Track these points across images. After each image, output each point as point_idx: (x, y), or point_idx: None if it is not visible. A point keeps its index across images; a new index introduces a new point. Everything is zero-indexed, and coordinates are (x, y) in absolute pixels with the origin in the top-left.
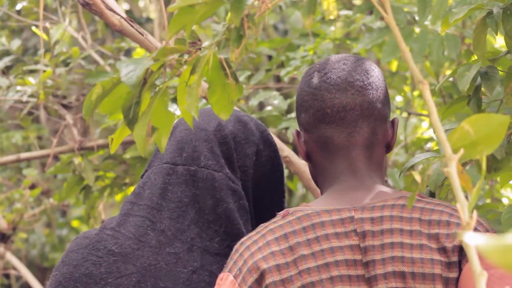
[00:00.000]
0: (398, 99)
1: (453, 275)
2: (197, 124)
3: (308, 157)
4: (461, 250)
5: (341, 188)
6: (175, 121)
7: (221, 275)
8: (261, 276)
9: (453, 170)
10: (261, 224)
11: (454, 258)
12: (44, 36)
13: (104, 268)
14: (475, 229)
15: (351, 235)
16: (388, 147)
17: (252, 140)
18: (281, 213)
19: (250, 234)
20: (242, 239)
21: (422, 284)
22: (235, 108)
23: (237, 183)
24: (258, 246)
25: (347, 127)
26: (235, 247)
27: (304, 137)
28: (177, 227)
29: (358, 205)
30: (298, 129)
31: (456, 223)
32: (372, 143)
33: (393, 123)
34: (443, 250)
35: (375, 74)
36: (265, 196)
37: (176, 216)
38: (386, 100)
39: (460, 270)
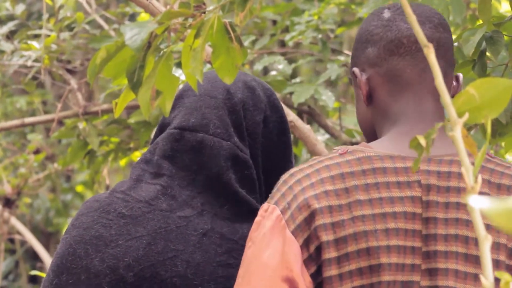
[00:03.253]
0: None
1: None
2: (207, 91)
3: (369, 98)
4: None
5: (406, 130)
6: (184, 86)
7: (265, 206)
8: (311, 215)
9: (458, 134)
10: (314, 157)
11: None
12: (48, 0)
13: (114, 230)
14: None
15: (414, 186)
16: None
17: (260, 107)
18: (339, 150)
19: (301, 166)
20: (292, 170)
21: None
22: (243, 71)
23: (245, 152)
24: (310, 182)
25: (422, 61)
26: (283, 177)
27: (367, 75)
28: (187, 194)
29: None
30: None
31: None
32: None
33: (458, 77)
34: None
35: (446, 20)
36: (272, 162)
37: (186, 184)
38: (453, 50)
39: None
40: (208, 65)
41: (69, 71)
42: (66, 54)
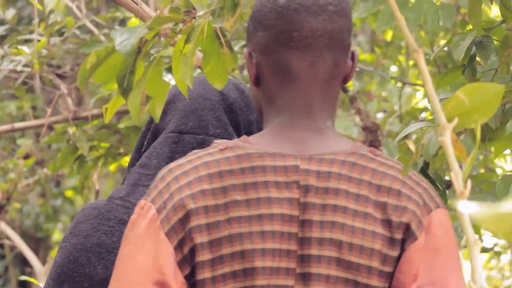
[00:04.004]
0: (393, 68)
1: (394, 253)
2: (200, 94)
3: (257, 81)
4: (407, 228)
5: (289, 124)
6: (173, 90)
7: (141, 203)
8: (186, 216)
9: (447, 139)
10: (194, 151)
11: (398, 236)
12: (38, 5)
13: (116, 237)
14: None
15: (292, 187)
16: (345, 80)
17: (251, 107)
18: (220, 145)
19: (180, 161)
20: (171, 165)
21: (357, 257)
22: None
23: None
24: (188, 180)
25: (311, 55)
26: (162, 172)
27: (256, 59)
28: None
29: (305, 154)
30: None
31: (408, 196)
32: (332, 77)
33: (353, 54)
34: (387, 223)
35: (347, 2)
36: None
37: None
38: (351, 27)
39: (402, 249)
40: (199, 70)
41: (59, 76)
42: (56, 59)
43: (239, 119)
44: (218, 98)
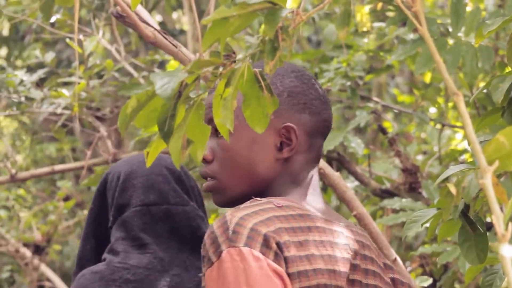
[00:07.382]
0: (432, 110)
1: None
2: (151, 171)
3: (279, 151)
4: None
5: (307, 194)
6: (125, 168)
7: (231, 251)
8: (279, 248)
9: (488, 182)
10: (254, 203)
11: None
12: (78, 48)
13: None
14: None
15: (347, 248)
16: None
17: (189, 174)
18: (274, 202)
19: (247, 211)
20: (240, 214)
21: None
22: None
23: (200, 211)
24: (274, 228)
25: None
26: (234, 220)
27: (299, 136)
28: (169, 255)
29: (342, 222)
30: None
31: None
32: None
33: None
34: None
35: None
36: None
37: (164, 248)
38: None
39: None
40: None
41: (99, 118)
42: (95, 102)
43: (187, 187)
44: (167, 173)
